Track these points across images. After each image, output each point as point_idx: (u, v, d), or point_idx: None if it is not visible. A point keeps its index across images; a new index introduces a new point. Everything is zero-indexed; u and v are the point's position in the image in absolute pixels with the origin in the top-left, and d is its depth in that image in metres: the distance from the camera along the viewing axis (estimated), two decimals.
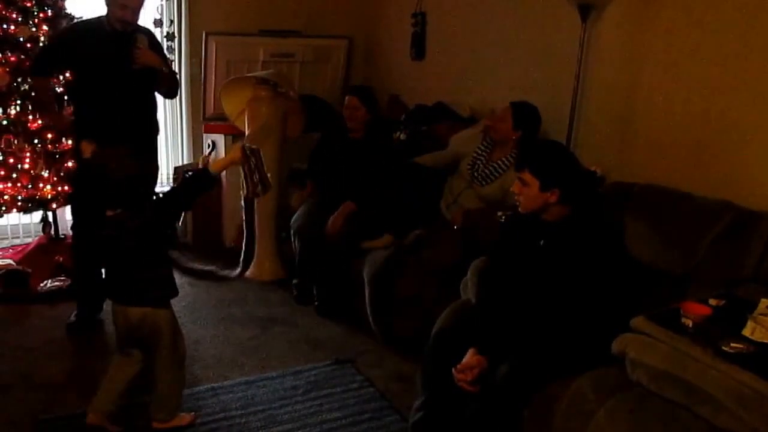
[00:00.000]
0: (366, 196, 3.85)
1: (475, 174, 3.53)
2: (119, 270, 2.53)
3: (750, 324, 2.02)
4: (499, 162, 3.45)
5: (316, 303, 3.93)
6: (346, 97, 4.06)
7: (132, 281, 2.49)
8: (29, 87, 3.81)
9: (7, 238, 4.72)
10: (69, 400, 2.84)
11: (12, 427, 2.72)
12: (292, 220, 4.02)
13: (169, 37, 4.68)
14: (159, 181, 4.02)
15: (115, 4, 3.22)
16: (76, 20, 4.00)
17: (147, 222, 2.44)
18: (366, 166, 3.93)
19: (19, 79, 3.81)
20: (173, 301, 2.62)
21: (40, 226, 4.50)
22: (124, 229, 2.42)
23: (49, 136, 3.91)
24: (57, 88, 3.90)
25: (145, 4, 3.35)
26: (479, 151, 3.57)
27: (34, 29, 3.84)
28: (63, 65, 3.58)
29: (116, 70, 3.33)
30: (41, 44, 3.82)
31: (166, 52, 4.01)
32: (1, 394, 2.94)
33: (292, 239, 4.02)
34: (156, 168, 3.76)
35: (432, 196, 3.75)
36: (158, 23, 4.61)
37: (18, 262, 4.07)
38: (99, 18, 3.38)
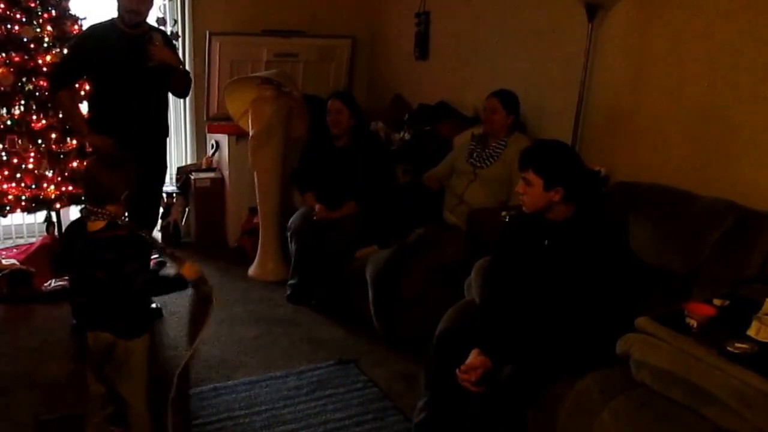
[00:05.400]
0: (367, 200, 3.90)
1: (476, 162, 3.61)
2: (90, 291, 2.28)
3: (754, 324, 2.01)
4: (495, 145, 3.58)
5: (313, 302, 3.94)
6: (329, 102, 4.04)
7: (103, 305, 2.27)
8: (34, 88, 3.82)
9: (11, 238, 4.74)
10: (71, 401, 2.83)
11: (14, 426, 2.72)
12: (289, 222, 4.03)
13: (173, 36, 4.68)
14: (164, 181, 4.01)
15: None
16: (81, 21, 4.03)
17: (130, 238, 2.25)
18: (355, 176, 3.95)
19: (24, 79, 3.82)
20: (175, 301, 2.58)
21: (44, 226, 4.51)
22: (102, 242, 2.21)
23: (53, 135, 3.92)
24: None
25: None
26: (472, 146, 3.68)
27: (38, 30, 3.85)
28: (83, 72, 3.57)
29: (130, 71, 3.35)
30: (58, 58, 3.82)
31: None
32: (4, 393, 2.94)
33: (289, 240, 4.03)
34: (164, 169, 3.77)
35: (432, 202, 3.79)
36: (162, 23, 4.62)
37: (22, 262, 4.07)
38: (111, 20, 3.40)
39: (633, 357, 2.09)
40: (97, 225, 2.23)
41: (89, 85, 3.65)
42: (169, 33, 4.41)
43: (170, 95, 3.72)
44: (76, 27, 4.00)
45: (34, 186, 3.91)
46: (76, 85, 3.77)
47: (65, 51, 3.80)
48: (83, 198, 3.72)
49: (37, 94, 3.86)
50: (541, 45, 3.78)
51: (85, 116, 3.67)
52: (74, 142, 3.94)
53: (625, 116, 3.31)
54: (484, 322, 2.48)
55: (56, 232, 4.40)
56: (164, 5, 4.79)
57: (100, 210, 2.22)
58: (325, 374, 3.20)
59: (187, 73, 3.70)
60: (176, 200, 4.96)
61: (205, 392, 2.99)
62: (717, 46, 2.85)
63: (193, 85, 4.20)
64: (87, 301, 2.30)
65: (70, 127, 3.88)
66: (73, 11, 4.07)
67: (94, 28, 3.51)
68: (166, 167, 3.81)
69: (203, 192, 4.87)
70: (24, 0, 3.80)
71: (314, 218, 3.94)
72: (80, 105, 3.83)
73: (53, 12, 3.92)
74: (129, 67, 3.35)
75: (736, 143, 2.81)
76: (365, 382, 3.14)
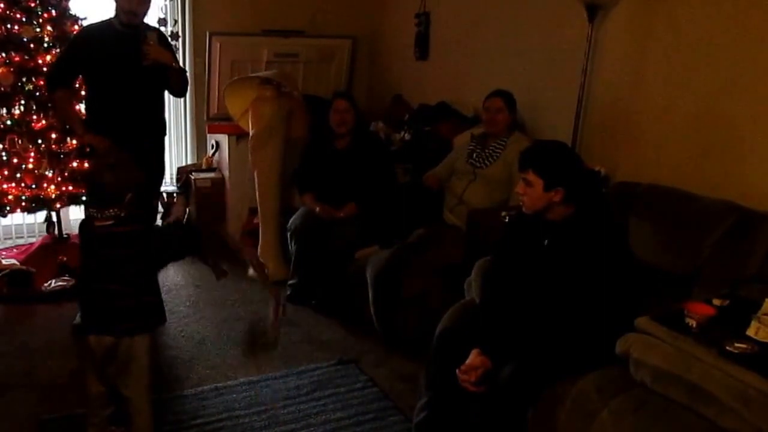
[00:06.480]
0: (368, 201, 3.89)
1: (476, 162, 3.62)
2: (99, 294, 2.30)
3: (754, 324, 2.01)
4: (494, 145, 3.60)
5: (313, 302, 3.94)
6: (334, 102, 4.02)
7: (112, 309, 2.29)
8: (34, 88, 3.82)
9: (11, 238, 4.73)
10: (71, 401, 2.82)
11: (14, 426, 2.72)
12: (290, 222, 4.03)
13: (173, 36, 4.68)
14: (163, 181, 4.01)
15: None
16: (81, 21, 4.03)
17: (140, 232, 2.30)
18: (356, 177, 3.94)
19: (24, 79, 3.82)
20: (175, 301, 2.57)
21: (44, 225, 4.51)
22: (115, 237, 2.26)
23: (53, 135, 3.92)
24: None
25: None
26: (472, 146, 3.70)
27: (38, 29, 3.85)
28: (77, 72, 3.57)
29: (127, 70, 3.35)
30: (56, 56, 3.81)
31: None
32: (4, 393, 2.94)
33: (289, 240, 4.03)
34: (162, 168, 3.77)
35: (432, 202, 3.79)
36: (162, 23, 4.62)
37: (22, 262, 4.08)
38: (108, 20, 3.41)
39: (632, 357, 2.09)
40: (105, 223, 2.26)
41: (85, 84, 3.65)
42: (169, 33, 4.43)
43: (168, 95, 3.72)
44: (76, 27, 4.00)
45: (34, 186, 3.90)
46: (76, 85, 3.77)
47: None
48: (84, 198, 3.73)
49: (37, 94, 3.86)
50: (541, 45, 3.77)
51: (82, 116, 3.68)
52: (74, 142, 3.94)
53: (625, 116, 3.31)
54: (484, 322, 2.48)
55: (56, 232, 4.40)
56: (165, 5, 4.79)
57: (104, 212, 2.24)
58: (326, 374, 3.20)
59: (183, 71, 3.69)
60: (177, 200, 4.95)
61: (205, 392, 2.99)
62: (718, 47, 2.85)
63: (193, 85, 4.22)
64: (97, 303, 2.31)
65: (65, 122, 3.88)
66: (73, 11, 4.07)
67: (89, 27, 3.52)
68: (164, 166, 3.81)
69: (204, 192, 4.87)
70: (24, 0, 3.81)
71: (317, 214, 3.93)
72: (78, 105, 3.84)
73: (53, 12, 3.92)
74: (124, 67, 3.35)
75: (736, 143, 2.81)
76: (365, 382, 3.14)
